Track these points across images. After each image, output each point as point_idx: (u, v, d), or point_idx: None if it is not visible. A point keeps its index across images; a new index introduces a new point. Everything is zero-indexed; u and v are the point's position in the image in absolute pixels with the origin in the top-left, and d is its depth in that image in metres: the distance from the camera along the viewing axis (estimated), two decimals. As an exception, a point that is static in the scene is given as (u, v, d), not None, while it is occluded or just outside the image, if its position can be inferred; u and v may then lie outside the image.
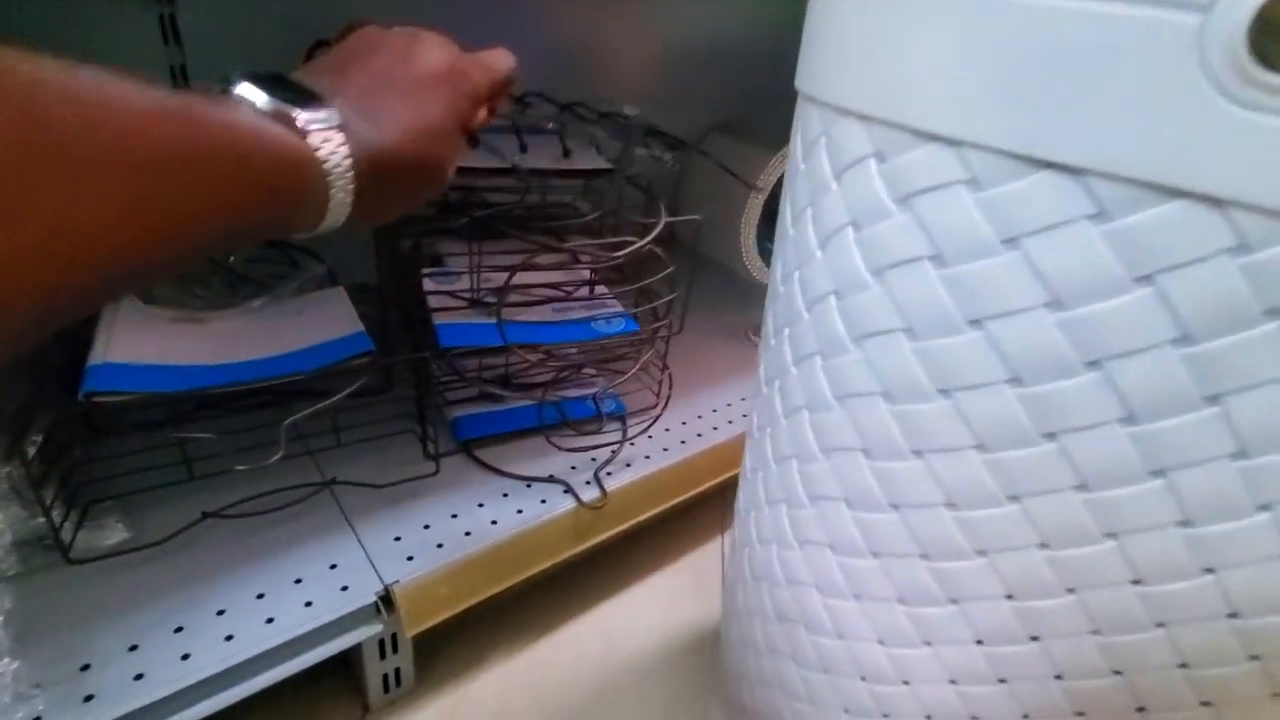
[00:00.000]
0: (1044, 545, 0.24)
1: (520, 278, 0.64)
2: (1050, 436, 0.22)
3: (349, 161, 0.23)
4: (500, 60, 0.33)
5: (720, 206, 0.95)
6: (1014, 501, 0.23)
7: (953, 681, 0.29)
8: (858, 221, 0.24)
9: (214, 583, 0.50)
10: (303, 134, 0.22)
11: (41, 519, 0.48)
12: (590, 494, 0.62)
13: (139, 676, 0.43)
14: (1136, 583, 0.24)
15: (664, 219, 0.60)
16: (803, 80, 0.28)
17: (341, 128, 0.23)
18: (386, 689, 0.57)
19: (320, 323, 0.62)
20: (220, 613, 0.48)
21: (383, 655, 0.55)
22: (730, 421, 0.75)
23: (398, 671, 0.57)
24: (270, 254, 0.71)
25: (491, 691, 0.60)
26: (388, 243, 0.69)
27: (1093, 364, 0.21)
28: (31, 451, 0.47)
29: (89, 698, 0.42)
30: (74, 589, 0.48)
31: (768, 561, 0.35)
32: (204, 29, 0.66)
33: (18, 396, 0.53)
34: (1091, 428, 0.21)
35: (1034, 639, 0.27)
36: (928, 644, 0.29)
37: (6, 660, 0.41)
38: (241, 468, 0.49)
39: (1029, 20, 0.18)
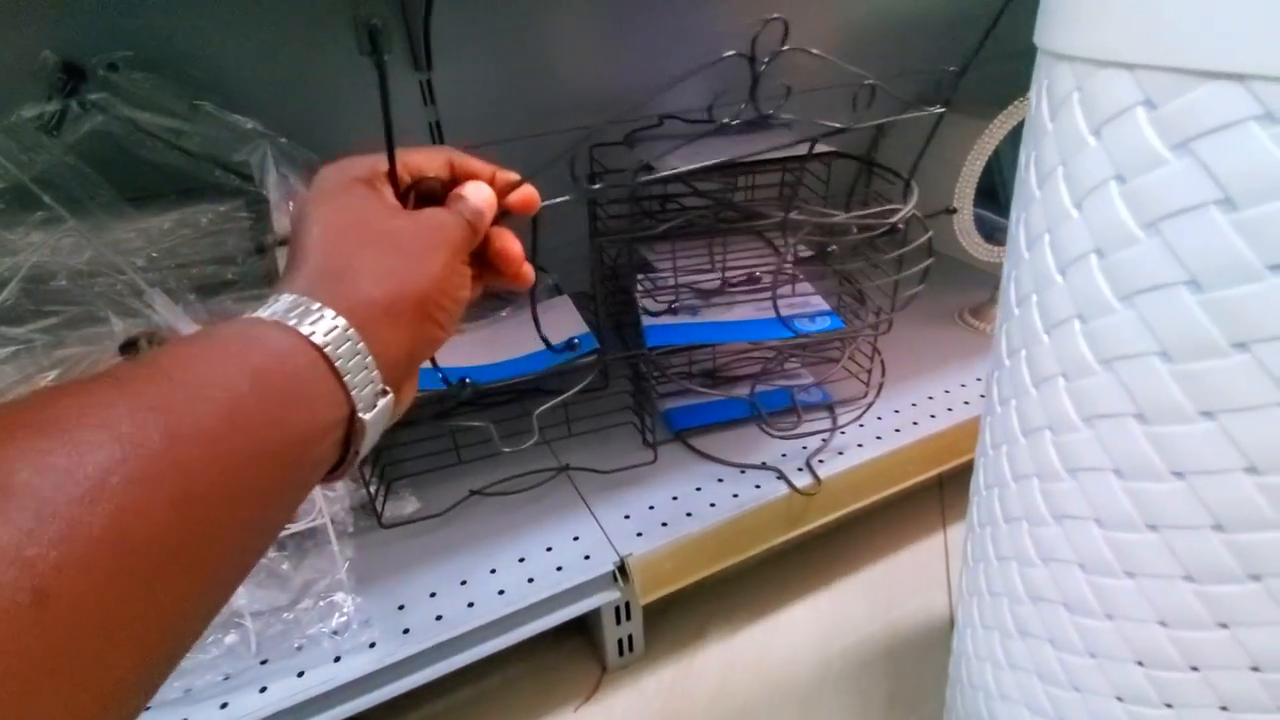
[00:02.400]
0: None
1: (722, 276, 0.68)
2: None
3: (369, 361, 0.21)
4: (477, 200, 0.28)
5: (925, 186, 0.90)
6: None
7: (1224, 709, 0.27)
8: (1123, 174, 0.23)
9: (485, 546, 0.60)
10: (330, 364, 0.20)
11: (362, 490, 0.61)
12: (803, 481, 0.63)
13: (439, 617, 0.53)
14: None
15: (915, 195, 0.59)
16: (1046, 36, 0.27)
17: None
18: (621, 653, 0.63)
19: (552, 326, 0.70)
20: (492, 571, 0.57)
21: (618, 621, 0.61)
22: (950, 409, 0.71)
23: (630, 638, 0.63)
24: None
25: (715, 664, 0.64)
26: (599, 251, 0.76)
27: None
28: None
29: (406, 631, 0.53)
30: (386, 546, 0.61)
31: (1008, 578, 0.34)
32: (455, 93, 0.78)
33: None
34: None
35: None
36: (1194, 669, 0.27)
37: (352, 596, 0.53)
38: (506, 450, 0.58)
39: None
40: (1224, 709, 0.27)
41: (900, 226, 0.59)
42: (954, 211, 0.60)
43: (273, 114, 0.61)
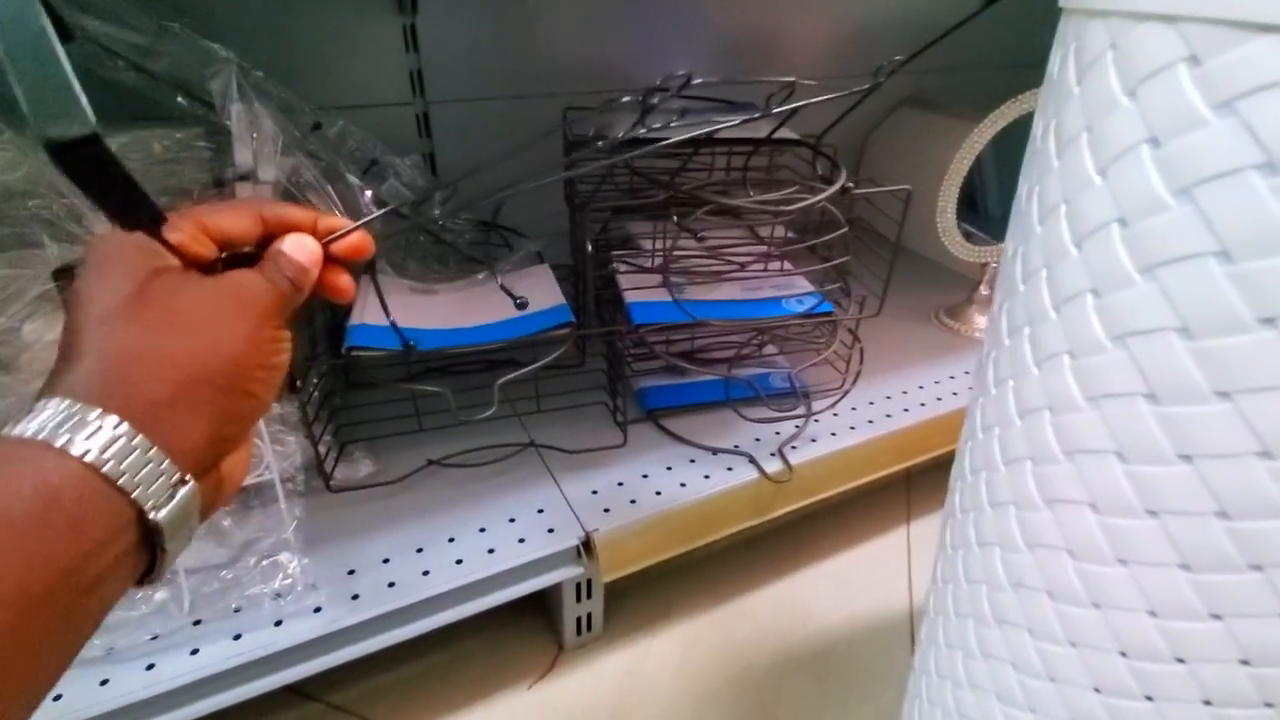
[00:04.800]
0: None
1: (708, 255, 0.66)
2: None
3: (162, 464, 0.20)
4: (299, 256, 0.26)
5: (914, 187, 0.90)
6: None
7: (1208, 702, 0.26)
8: (1157, 137, 0.22)
9: (443, 515, 0.57)
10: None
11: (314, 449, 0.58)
12: (774, 467, 0.62)
13: (391, 584, 0.51)
14: None
15: (843, 180, 0.59)
16: (1077, -6, 0.26)
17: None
18: (579, 632, 0.61)
19: (529, 295, 0.67)
20: (451, 540, 0.55)
21: (578, 599, 0.59)
22: (922, 404, 0.71)
23: (589, 617, 0.61)
24: (491, 237, 0.79)
25: (674, 648, 0.62)
26: (580, 225, 0.73)
27: None
28: (308, 396, 0.57)
29: (355, 596, 0.50)
30: (336, 510, 0.57)
31: (990, 564, 0.33)
32: (439, 39, 0.74)
33: (298, 351, 0.63)
34: None
35: (1269, 705, 0.24)
36: (1180, 660, 0.26)
37: (298, 558, 0.50)
38: (465, 420, 0.55)
39: None
40: (1207, 703, 0.27)
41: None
42: (850, 189, 0.59)
43: (250, 48, 0.57)
